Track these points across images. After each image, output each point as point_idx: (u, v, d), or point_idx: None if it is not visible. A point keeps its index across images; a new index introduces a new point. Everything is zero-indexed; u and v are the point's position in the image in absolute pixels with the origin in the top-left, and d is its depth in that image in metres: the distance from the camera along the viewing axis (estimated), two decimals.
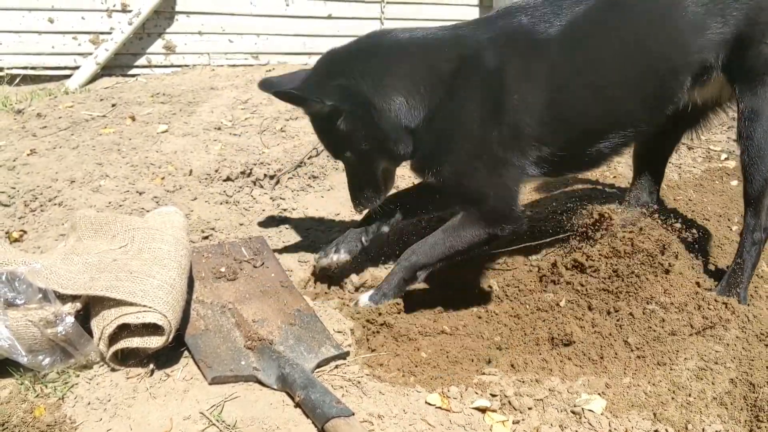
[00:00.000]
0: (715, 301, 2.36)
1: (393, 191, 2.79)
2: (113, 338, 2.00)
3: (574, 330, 2.33)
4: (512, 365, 2.22)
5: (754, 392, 2.01)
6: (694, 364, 2.14)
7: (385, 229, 2.74)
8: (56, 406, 1.90)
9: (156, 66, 5.62)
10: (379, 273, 2.85)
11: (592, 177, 3.67)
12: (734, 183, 3.50)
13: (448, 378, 2.15)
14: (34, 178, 3.39)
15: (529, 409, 1.97)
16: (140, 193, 3.29)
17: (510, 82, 2.35)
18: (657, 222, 2.61)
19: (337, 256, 2.66)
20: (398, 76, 2.40)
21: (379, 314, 2.43)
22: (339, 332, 2.30)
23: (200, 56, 5.73)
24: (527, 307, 2.55)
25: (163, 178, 3.46)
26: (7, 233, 2.94)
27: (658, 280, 2.47)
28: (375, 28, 6.15)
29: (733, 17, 2.32)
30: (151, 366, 2.04)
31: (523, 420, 1.94)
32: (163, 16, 5.58)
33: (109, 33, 5.39)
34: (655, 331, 2.29)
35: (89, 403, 1.91)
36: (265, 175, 3.60)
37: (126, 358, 2.05)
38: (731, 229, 2.96)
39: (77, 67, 5.33)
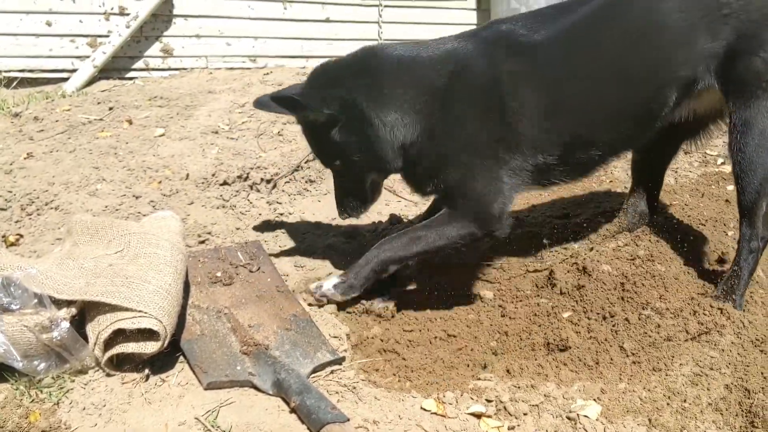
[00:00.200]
0: (711, 306, 2.35)
1: None
2: (109, 343, 1.99)
3: (569, 335, 2.33)
4: (508, 370, 2.22)
5: (749, 398, 2.01)
6: (690, 369, 2.14)
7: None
8: (51, 411, 1.89)
9: (153, 69, 5.62)
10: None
11: (587, 182, 3.67)
12: (730, 188, 3.50)
13: (444, 383, 2.15)
14: (31, 182, 3.39)
15: (525, 414, 1.97)
16: (137, 197, 3.29)
17: (503, 91, 2.37)
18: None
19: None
20: (394, 92, 2.41)
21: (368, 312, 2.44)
22: (335, 337, 2.30)
23: (198, 59, 5.74)
24: (523, 312, 2.55)
25: (159, 182, 3.46)
26: (3, 237, 2.94)
27: (654, 285, 2.47)
28: (373, 31, 6.22)
29: (722, 30, 2.32)
30: (147, 371, 2.04)
31: (518, 426, 1.94)
32: (160, 20, 5.59)
33: (107, 36, 5.39)
34: (650, 336, 2.29)
35: (84, 409, 1.90)
36: (262, 179, 3.60)
37: (121, 364, 2.04)
38: (727, 234, 2.96)
39: (75, 70, 5.33)
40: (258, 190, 3.55)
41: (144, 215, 3.02)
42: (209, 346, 2.16)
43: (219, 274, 2.56)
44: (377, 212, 3.43)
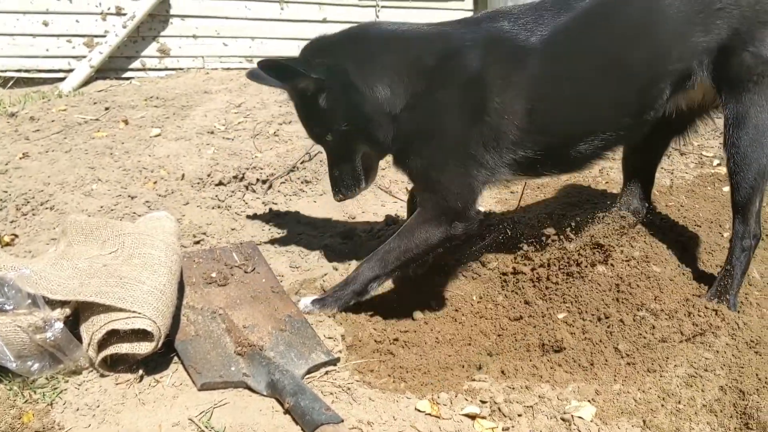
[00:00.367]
0: (705, 308, 2.35)
1: None
2: (102, 344, 1.99)
3: (564, 336, 2.33)
4: (502, 371, 2.22)
5: (743, 399, 2.01)
6: (684, 371, 2.14)
7: None
8: (45, 411, 1.89)
9: (150, 69, 5.62)
10: None
11: (583, 182, 3.67)
12: (726, 189, 3.50)
13: (438, 384, 2.15)
14: (26, 182, 3.39)
15: (519, 416, 1.97)
16: (132, 198, 3.29)
17: (491, 83, 2.38)
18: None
19: None
20: (383, 63, 2.47)
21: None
22: (330, 338, 2.30)
23: (194, 59, 5.74)
24: (517, 312, 2.54)
25: (155, 183, 3.45)
26: None
27: (649, 286, 2.48)
28: None
29: (716, 26, 2.33)
30: (141, 372, 2.03)
31: (512, 427, 1.94)
32: (157, 20, 5.59)
33: (104, 36, 5.39)
34: (645, 337, 2.29)
35: (78, 409, 1.90)
36: (258, 180, 3.60)
37: (115, 364, 2.04)
38: (722, 236, 2.96)
39: (71, 70, 5.33)
40: (254, 191, 3.55)
41: (139, 215, 3.01)
42: (203, 347, 2.15)
43: (214, 274, 2.55)
44: (373, 213, 3.43)
